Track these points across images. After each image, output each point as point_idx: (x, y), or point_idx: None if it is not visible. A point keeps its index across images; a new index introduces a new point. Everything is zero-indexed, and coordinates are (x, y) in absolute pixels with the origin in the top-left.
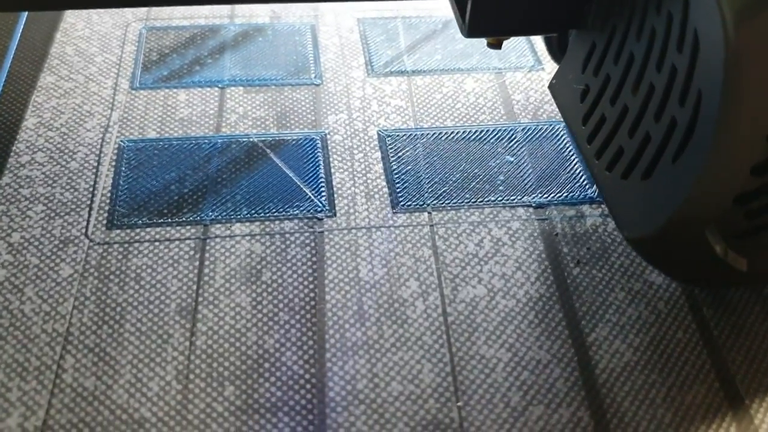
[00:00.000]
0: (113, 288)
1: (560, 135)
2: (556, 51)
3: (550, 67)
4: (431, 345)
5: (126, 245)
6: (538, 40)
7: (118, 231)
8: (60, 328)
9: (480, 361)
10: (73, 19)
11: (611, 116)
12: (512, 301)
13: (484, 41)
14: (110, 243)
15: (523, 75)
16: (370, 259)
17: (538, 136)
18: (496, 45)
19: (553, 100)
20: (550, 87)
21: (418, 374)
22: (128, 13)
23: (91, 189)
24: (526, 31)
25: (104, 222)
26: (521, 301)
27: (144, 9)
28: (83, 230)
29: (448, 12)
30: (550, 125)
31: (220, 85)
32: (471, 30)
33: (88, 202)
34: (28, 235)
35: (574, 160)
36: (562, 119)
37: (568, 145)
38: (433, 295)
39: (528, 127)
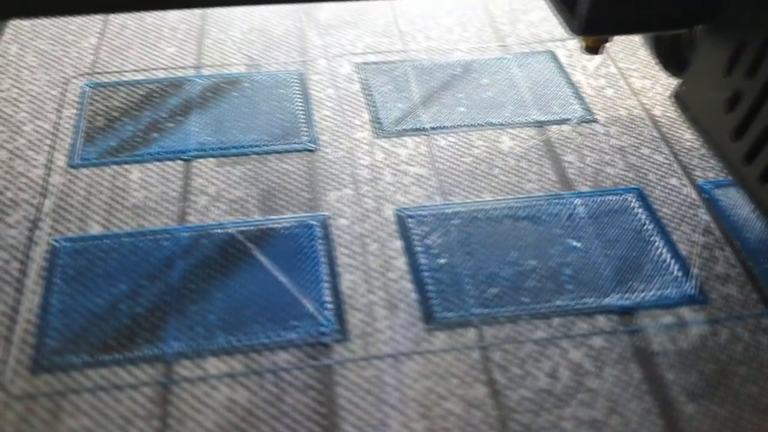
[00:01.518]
0: None
1: (634, 209)
2: (668, 57)
3: (604, 117)
4: None
5: (57, 398)
6: (585, 82)
7: (46, 376)
8: None
9: None
10: None
11: None
12: None
13: (518, 88)
14: (35, 396)
15: (572, 129)
16: (403, 407)
17: (605, 211)
18: (594, 49)
19: (679, 111)
20: (675, 96)
21: None
22: (68, 66)
23: (10, 314)
24: (648, 27)
25: (27, 363)
26: None
27: (88, 60)
28: None
29: (466, 53)
30: (619, 195)
31: (184, 157)
32: (588, 26)
33: (5, 333)
34: None
35: (657, 242)
36: (635, 185)
37: (646, 221)
38: None
39: (590, 199)
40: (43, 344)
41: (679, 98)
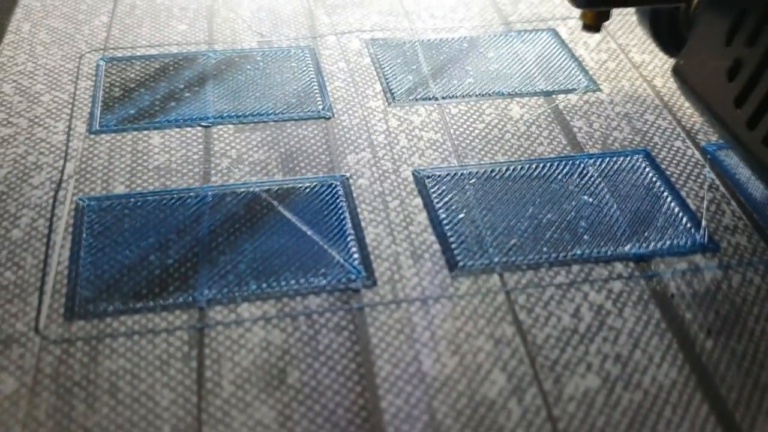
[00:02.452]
0: (79, 407)
1: (642, 169)
2: (665, 34)
3: (609, 87)
4: None
5: (94, 342)
6: (588, 56)
7: (81, 323)
8: None
9: None
10: (11, 51)
11: None
12: (638, 393)
13: (524, 62)
14: (71, 340)
15: (579, 98)
16: (433, 344)
17: (615, 169)
18: (594, 27)
19: (676, 85)
20: (674, 71)
21: None
22: (81, 42)
23: (41, 265)
24: None
25: (61, 311)
26: (650, 392)
27: (101, 36)
28: (32, 324)
29: (470, 30)
30: (628, 156)
31: (204, 123)
32: None
33: (38, 284)
34: None
35: (667, 197)
36: (642, 147)
37: (655, 179)
38: (530, 391)
39: (601, 160)
40: (76, 294)
41: (679, 72)
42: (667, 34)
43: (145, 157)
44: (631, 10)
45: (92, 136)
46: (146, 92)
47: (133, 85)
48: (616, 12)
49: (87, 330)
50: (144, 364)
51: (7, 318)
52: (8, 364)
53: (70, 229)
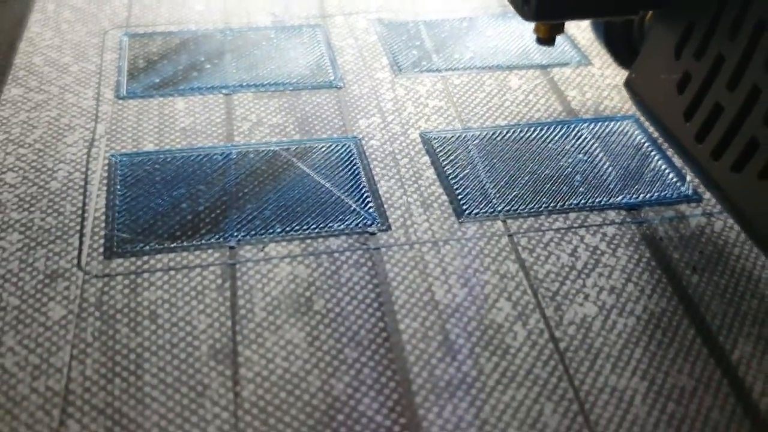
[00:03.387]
0: (122, 330)
1: (631, 132)
2: (619, 46)
3: (600, 62)
4: (546, 379)
5: (133, 276)
6: (579, 35)
7: (120, 260)
8: (56, 385)
9: (612, 395)
10: (38, 28)
11: (732, 104)
12: (631, 318)
13: (521, 39)
14: (111, 275)
15: (572, 71)
16: (445, 278)
17: (607, 132)
18: (547, 41)
19: (628, 97)
20: (626, 84)
21: (540, 417)
22: (104, 20)
23: (79, 212)
24: (600, 12)
25: (101, 250)
26: (642, 318)
27: (122, 15)
28: (74, 261)
29: (469, 12)
30: (618, 122)
31: (225, 91)
32: (539, 11)
33: (77, 228)
34: (3, 271)
35: (655, 156)
36: (631, 114)
37: (644, 141)
38: (534, 317)
39: (594, 124)
40: (113, 236)
41: (631, 84)
42: (621, 46)
43: (171, 120)
44: None
45: (120, 102)
46: (169, 64)
47: (156, 58)
48: None
49: (126, 266)
50: (181, 294)
51: (51, 256)
52: (55, 294)
53: (105, 181)
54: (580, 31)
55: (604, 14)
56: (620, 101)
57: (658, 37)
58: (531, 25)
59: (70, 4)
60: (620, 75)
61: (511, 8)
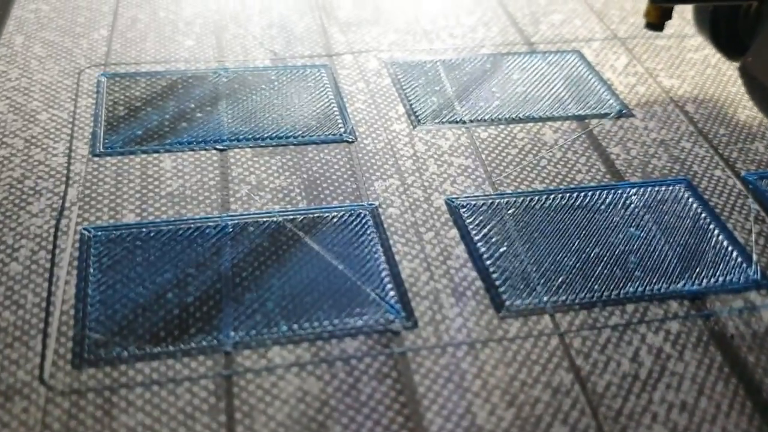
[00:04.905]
0: None
1: (685, 199)
2: (725, 37)
3: (641, 112)
4: None
5: (107, 394)
6: (616, 80)
7: (91, 370)
8: None
9: None
10: (3, 66)
11: None
12: None
13: (552, 84)
14: (81, 391)
15: (613, 123)
16: (486, 394)
17: (659, 199)
18: (657, 26)
19: (742, 84)
20: (741, 68)
21: None
22: (80, 56)
23: (43, 304)
24: None
25: (68, 357)
26: None
27: (101, 51)
28: (35, 372)
29: (492, 48)
30: (669, 185)
31: (218, 146)
32: None
33: (41, 326)
34: None
35: (714, 229)
36: (683, 176)
37: (700, 210)
38: None
39: (642, 189)
40: (84, 337)
41: (746, 69)
42: (727, 37)
43: (156, 183)
44: (657, 34)
45: (96, 159)
46: (154, 111)
47: (138, 104)
48: (641, 35)
49: (99, 379)
50: (165, 419)
51: (7, 365)
52: (10, 419)
53: (75, 263)
54: (616, 74)
55: None
56: (669, 160)
57: None
58: (560, 69)
59: (41, 36)
60: (665, 128)
61: (538, 47)
